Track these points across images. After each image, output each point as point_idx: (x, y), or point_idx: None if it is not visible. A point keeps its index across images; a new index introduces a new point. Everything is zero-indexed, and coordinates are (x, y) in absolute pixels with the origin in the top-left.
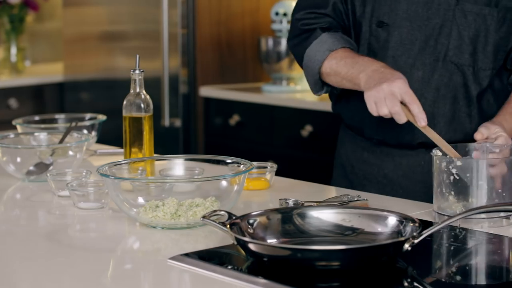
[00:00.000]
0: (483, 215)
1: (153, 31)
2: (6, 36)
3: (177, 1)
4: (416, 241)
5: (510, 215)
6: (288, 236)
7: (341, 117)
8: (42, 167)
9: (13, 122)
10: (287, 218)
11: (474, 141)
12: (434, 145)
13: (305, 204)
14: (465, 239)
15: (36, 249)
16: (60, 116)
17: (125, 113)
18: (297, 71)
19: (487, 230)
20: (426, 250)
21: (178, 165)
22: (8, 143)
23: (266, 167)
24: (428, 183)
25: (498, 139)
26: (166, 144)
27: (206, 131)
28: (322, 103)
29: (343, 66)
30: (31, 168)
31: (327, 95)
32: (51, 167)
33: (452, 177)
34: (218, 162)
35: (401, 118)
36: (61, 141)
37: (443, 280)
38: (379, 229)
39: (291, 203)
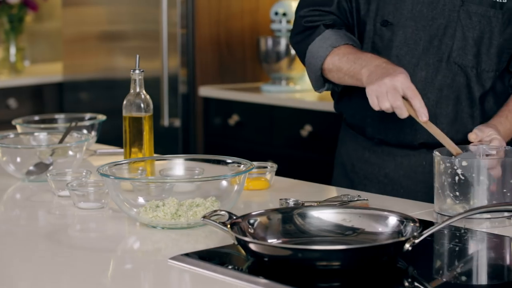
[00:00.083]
0: (487, 215)
1: (153, 31)
2: (5, 36)
3: (176, 1)
4: (416, 241)
5: None
6: (289, 236)
7: (343, 116)
8: (42, 167)
9: (13, 122)
10: (288, 218)
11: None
12: (435, 146)
13: (305, 204)
14: (466, 239)
15: (36, 249)
16: (60, 116)
17: (125, 113)
18: (297, 71)
19: (490, 230)
20: (427, 250)
21: (178, 165)
22: (8, 143)
23: (266, 167)
24: (429, 183)
25: (493, 142)
26: (166, 144)
27: (205, 131)
28: (321, 103)
29: (345, 62)
30: (31, 168)
31: (327, 94)
32: (51, 167)
33: (457, 178)
34: (218, 162)
35: (403, 113)
36: (61, 141)
37: (443, 280)
38: (380, 229)
39: (291, 203)
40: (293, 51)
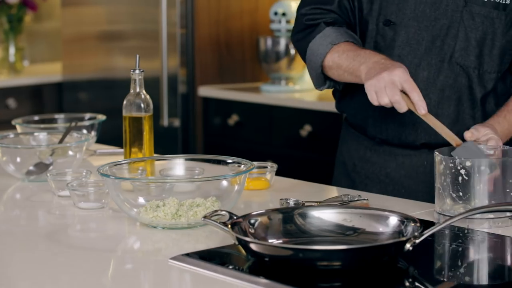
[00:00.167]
0: (490, 215)
1: (152, 31)
2: (4, 36)
3: (176, 1)
4: (417, 241)
5: None
6: (289, 236)
7: (344, 115)
8: (42, 167)
9: (13, 122)
10: (288, 218)
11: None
12: (437, 146)
13: (306, 204)
14: (467, 239)
15: (36, 249)
16: (60, 116)
17: (125, 113)
18: (296, 71)
19: (492, 230)
20: (428, 250)
21: (178, 165)
22: (8, 143)
23: (266, 167)
24: (430, 183)
25: (490, 142)
26: (165, 144)
27: (205, 131)
28: (321, 103)
29: (345, 59)
30: (31, 168)
31: (327, 94)
32: (51, 167)
33: (460, 178)
34: (218, 162)
35: (402, 107)
36: (60, 141)
37: (444, 280)
38: (381, 229)
39: (291, 203)
40: (292, 51)
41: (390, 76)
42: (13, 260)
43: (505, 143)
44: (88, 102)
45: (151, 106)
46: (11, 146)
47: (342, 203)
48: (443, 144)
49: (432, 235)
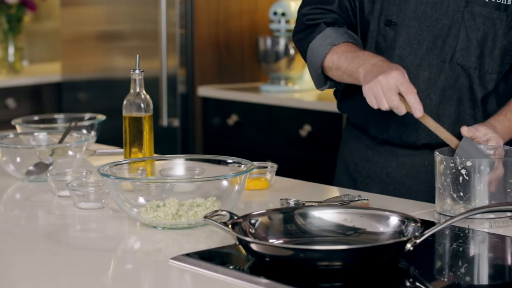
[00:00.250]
0: (491, 215)
1: (151, 31)
2: (3, 36)
3: (175, 1)
4: (418, 241)
5: None
6: (290, 236)
7: (346, 115)
8: (41, 167)
9: (13, 122)
10: (289, 218)
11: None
12: (438, 146)
13: (306, 204)
14: (467, 239)
15: (36, 249)
16: (60, 116)
17: (125, 113)
18: (295, 71)
19: (492, 231)
20: (428, 250)
21: (178, 165)
22: (7, 143)
23: (266, 167)
24: (431, 183)
25: (490, 141)
26: (164, 144)
27: (204, 131)
28: (320, 103)
29: (343, 60)
30: (31, 168)
31: (326, 94)
32: (50, 167)
33: (461, 178)
34: (218, 162)
35: (401, 111)
36: (60, 141)
37: (445, 280)
38: (381, 229)
39: (292, 203)
40: (292, 51)
41: (386, 79)
42: (13, 260)
43: (505, 143)
44: (87, 102)
45: (151, 106)
46: (11, 146)
47: (343, 203)
48: (444, 144)
49: (433, 235)
